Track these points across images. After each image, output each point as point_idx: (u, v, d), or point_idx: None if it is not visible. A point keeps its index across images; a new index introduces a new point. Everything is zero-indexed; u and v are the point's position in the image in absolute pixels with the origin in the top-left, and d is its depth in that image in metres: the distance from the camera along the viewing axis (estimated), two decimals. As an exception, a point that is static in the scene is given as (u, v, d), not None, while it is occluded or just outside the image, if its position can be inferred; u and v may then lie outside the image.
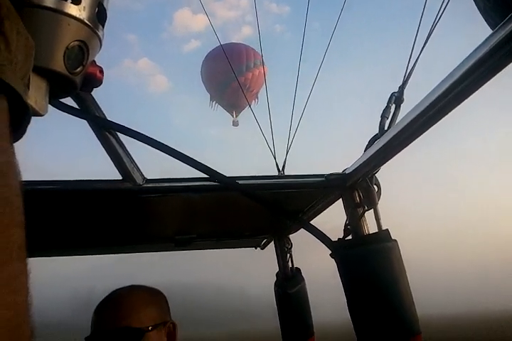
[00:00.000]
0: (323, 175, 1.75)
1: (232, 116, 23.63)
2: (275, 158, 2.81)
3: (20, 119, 0.68)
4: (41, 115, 1.02)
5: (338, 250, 1.66)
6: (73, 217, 1.89)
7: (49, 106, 1.29)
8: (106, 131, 1.47)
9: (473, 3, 1.53)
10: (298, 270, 2.59)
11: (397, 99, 1.65)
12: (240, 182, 1.66)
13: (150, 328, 1.71)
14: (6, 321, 0.47)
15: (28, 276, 0.53)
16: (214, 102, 23.08)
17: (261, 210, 1.87)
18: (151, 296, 1.85)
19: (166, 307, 1.88)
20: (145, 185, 1.61)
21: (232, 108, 23.13)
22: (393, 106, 1.64)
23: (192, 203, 1.85)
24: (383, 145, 1.44)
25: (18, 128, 0.67)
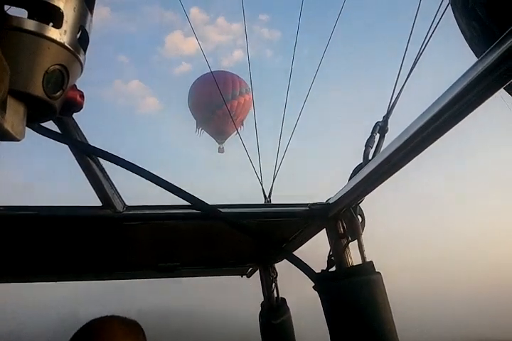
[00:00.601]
0: (307, 204, 1.72)
1: (218, 143, 24.07)
2: (262, 185, 2.79)
3: None
4: (18, 140, 1.00)
5: (321, 282, 1.62)
6: (52, 243, 1.84)
7: (29, 129, 1.27)
8: (87, 156, 1.44)
9: (460, 32, 1.55)
10: (283, 300, 2.53)
11: (381, 128, 1.64)
12: (224, 210, 1.63)
13: None
14: None
15: None
16: (200, 129, 23.41)
17: (245, 239, 1.83)
18: (128, 329, 1.78)
19: (143, 339, 1.82)
20: (125, 212, 1.57)
21: (217, 135, 23.57)
22: (377, 136, 1.64)
23: (175, 231, 1.81)
24: (367, 175, 1.42)
25: None
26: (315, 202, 1.72)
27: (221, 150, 24.08)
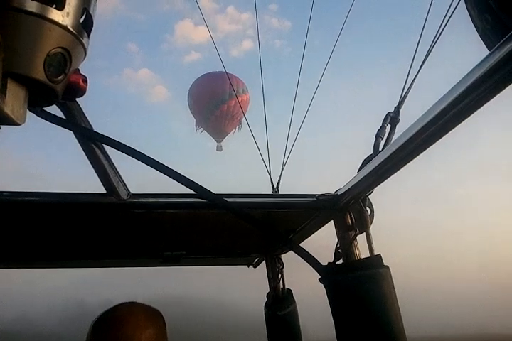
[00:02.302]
0: (315, 195, 1.69)
1: (216, 142, 24.38)
2: (270, 175, 2.76)
3: None
4: (18, 124, 0.97)
5: (328, 275, 1.59)
6: (56, 230, 1.83)
7: (34, 115, 1.24)
8: (92, 142, 1.42)
9: (472, 24, 1.50)
10: (289, 291, 2.51)
11: (392, 119, 1.60)
12: (230, 199, 1.61)
13: None
14: None
15: None
16: (199, 127, 23.77)
17: (252, 229, 1.81)
18: (152, 318, 1.78)
19: (165, 329, 1.81)
20: (129, 200, 1.55)
21: (216, 134, 23.95)
22: (388, 127, 1.60)
23: (180, 219, 1.79)
24: (377, 166, 1.38)
25: None
26: (323, 193, 1.69)
27: (219, 149, 24.43)
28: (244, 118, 21.74)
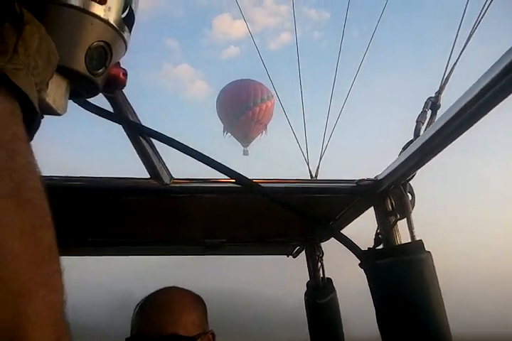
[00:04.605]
0: (354, 180, 1.69)
1: (243, 146, 25.10)
2: (308, 164, 2.76)
3: (28, 125, 0.68)
4: (59, 114, 1.01)
5: (368, 260, 1.59)
6: (98, 215, 1.90)
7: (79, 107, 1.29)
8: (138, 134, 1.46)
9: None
10: (329, 280, 2.52)
11: (433, 104, 1.57)
12: (266, 185, 1.62)
13: (196, 337, 1.65)
14: (45, 319, 0.48)
15: (62, 276, 0.54)
16: (227, 133, 24.57)
17: (291, 217, 1.82)
18: (196, 303, 1.80)
19: (206, 315, 1.83)
20: (172, 185, 1.60)
21: (242, 139, 24.76)
22: (429, 112, 1.58)
23: (219, 205, 1.82)
24: (417, 150, 1.37)
25: (27, 132, 0.68)
26: (362, 178, 1.68)
27: (245, 153, 25.13)
28: (269, 124, 23.23)
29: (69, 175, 1.59)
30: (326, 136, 2.98)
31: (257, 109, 22.69)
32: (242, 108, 22.57)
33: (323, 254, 2.51)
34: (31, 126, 0.69)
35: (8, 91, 0.64)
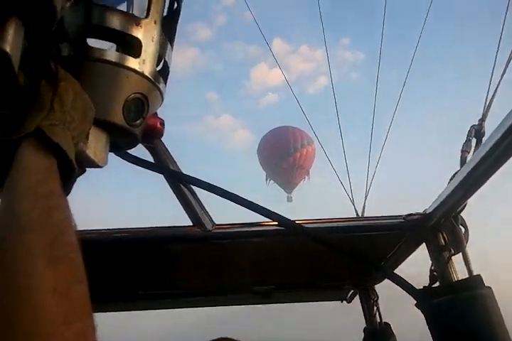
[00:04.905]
0: (401, 216, 1.62)
1: (286, 193, 24.95)
2: (353, 203, 2.71)
3: (66, 178, 0.70)
4: (100, 167, 1.03)
5: (424, 299, 1.49)
6: (146, 267, 1.89)
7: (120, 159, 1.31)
8: (178, 181, 1.47)
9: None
10: (387, 325, 2.38)
11: (477, 132, 1.53)
12: (312, 226, 1.59)
13: None
14: None
15: (95, 332, 0.54)
16: (269, 180, 24.65)
17: (340, 258, 1.75)
18: None
19: None
20: (214, 231, 1.59)
21: (285, 185, 24.73)
22: (474, 140, 1.53)
23: (265, 250, 1.79)
24: (464, 179, 1.31)
25: (64, 186, 0.69)
26: (410, 212, 1.62)
27: (289, 199, 24.92)
28: (311, 169, 23.16)
29: (116, 227, 1.62)
30: (369, 174, 2.93)
31: (297, 154, 22.77)
32: (283, 155, 22.69)
33: (378, 298, 2.40)
34: (68, 179, 0.71)
35: (46, 147, 0.67)
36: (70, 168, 0.71)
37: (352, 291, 2.62)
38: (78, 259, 0.57)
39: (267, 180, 24.72)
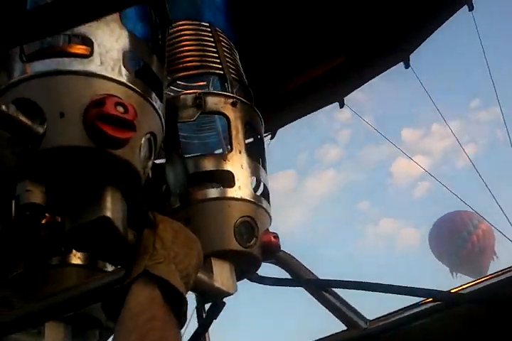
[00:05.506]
0: None
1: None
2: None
3: (177, 304, 0.79)
4: (230, 294, 1.10)
5: None
6: None
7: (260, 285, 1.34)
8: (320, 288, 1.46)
9: None
10: None
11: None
12: (475, 287, 1.50)
13: None
14: None
15: None
16: (456, 273, 22.43)
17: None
18: None
19: None
20: (371, 327, 1.53)
21: (473, 273, 22.53)
22: None
23: (432, 333, 1.66)
24: None
25: (178, 318, 0.80)
26: None
27: None
28: (496, 244, 20.65)
29: None
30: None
31: (473, 237, 20.84)
32: (458, 242, 20.84)
33: None
34: (179, 304, 0.80)
35: (152, 281, 0.78)
36: (178, 295, 0.79)
37: None
38: None
39: (452, 273, 22.43)
